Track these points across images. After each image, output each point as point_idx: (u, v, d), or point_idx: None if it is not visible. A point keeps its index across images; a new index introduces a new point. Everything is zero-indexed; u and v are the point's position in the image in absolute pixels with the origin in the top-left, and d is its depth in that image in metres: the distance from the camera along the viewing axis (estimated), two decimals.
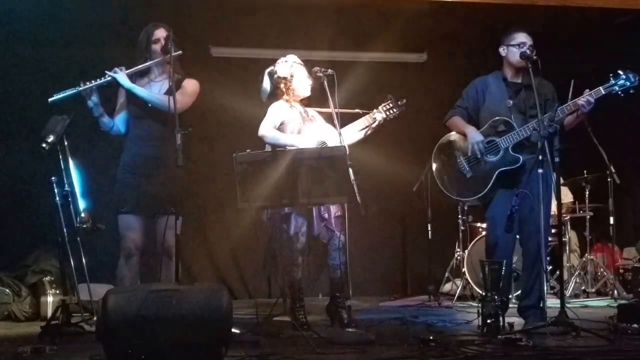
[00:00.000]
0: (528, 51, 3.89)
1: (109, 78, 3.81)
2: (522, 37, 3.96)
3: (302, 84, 4.09)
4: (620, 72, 3.81)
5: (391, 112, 4.15)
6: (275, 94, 4.12)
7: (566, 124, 3.95)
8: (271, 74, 4.12)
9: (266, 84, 4.14)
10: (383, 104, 4.15)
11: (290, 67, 4.08)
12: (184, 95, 3.86)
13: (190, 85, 3.94)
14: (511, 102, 3.98)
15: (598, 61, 5.70)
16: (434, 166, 4.16)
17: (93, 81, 3.79)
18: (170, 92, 3.70)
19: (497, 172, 3.93)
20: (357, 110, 4.18)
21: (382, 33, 6.04)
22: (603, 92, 3.81)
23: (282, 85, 4.08)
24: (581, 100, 3.80)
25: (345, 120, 4.08)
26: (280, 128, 4.05)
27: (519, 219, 3.79)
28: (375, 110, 4.14)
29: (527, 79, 3.95)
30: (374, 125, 4.13)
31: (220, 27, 5.95)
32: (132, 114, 3.93)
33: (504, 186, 3.96)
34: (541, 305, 3.84)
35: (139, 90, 3.84)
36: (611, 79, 3.81)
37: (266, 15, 5.70)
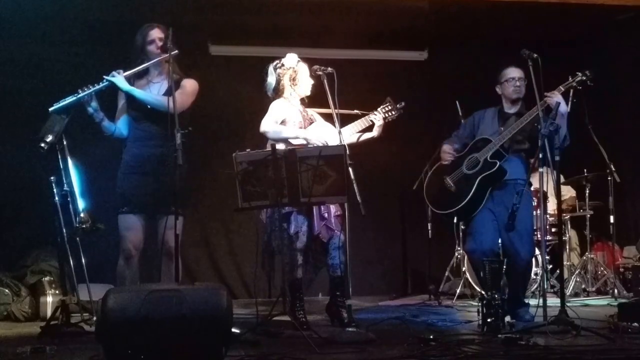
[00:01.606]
0: (519, 83, 4.14)
1: (107, 82, 3.79)
2: (511, 73, 4.19)
3: (305, 80, 4.11)
4: (578, 73, 4.03)
5: (389, 114, 4.17)
6: (278, 89, 4.12)
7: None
8: (276, 67, 4.12)
9: (271, 78, 4.14)
10: (382, 106, 4.17)
11: (297, 61, 4.12)
12: (183, 94, 3.85)
13: (190, 85, 3.94)
14: (502, 129, 4.15)
15: (599, 59, 5.69)
16: (425, 191, 4.40)
17: (91, 87, 3.77)
18: (169, 92, 3.69)
19: (479, 179, 4.09)
20: (356, 112, 4.19)
21: (383, 31, 6.04)
22: (563, 90, 4.00)
23: (286, 77, 4.08)
24: (554, 100, 3.92)
25: (345, 121, 4.08)
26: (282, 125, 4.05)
27: (500, 229, 4.02)
28: (374, 112, 4.15)
29: (521, 109, 4.18)
30: (375, 128, 4.14)
31: (219, 25, 5.94)
32: (132, 116, 3.93)
33: (489, 196, 4.10)
34: (526, 301, 4.13)
35: (137, 92, 3.83)
36: (570, 77, 4.03)
37: (265, 14, 5.69)
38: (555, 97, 3.92)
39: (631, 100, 6.02)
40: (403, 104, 4.21)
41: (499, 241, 4.15)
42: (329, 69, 3.96)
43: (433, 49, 6.47)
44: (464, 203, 4.13)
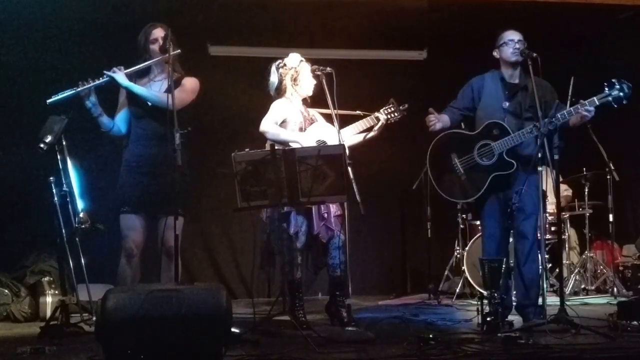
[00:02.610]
0: (519, 45, 3.93)
1: (107, 78, 3.80)
2: (509, 35, 4.01)
3: (307, 80, 4.10)
4: (614, 81, 3.82)
5: (392, 115, 4.14)
6: (279, 89, 4.12)
7: (571, 123, 3.95)
8: (278, 67, 4.12)
9: (274, 77, 4.14)
10: (385, 107, 4.13)
11: (299, 61, 4.10)
12: (182, 92, 3.86)
13: (190, 83, 3.94)
14: (507, 103, 4.00)
15: (598, 57, 5.70)
16: (429, 166, 4.19)
17: (91, 81, 3.78)
18: (169, 91, 3.69)
19: (491, 176, 3.96)
20: (358, 112, 4.17)
21: (382, 31, 6.04)
22: (597, 103, 3.82)
23: (288, 77, 4.08)
24: (584, 112, 3.80)
25: (347, 121, 4.06)
26: (282, 126, 4.05)
27: (515, 219, 3.85)
28: (376, 113, 4.12)
29: (524, 79, 3.98)
30: (375, 128, 4.11)
31: (218, 26, 5.94)
32: (133, 114, 3.93)
33: (496, 189, 3.99)
34: (540, 302, 3.86)
35: (137, 88, 3.83)
36: (605, 89, 3.82)
37: (264, 14, 5.69)
38: (591, 114, 3.79)
39: (630, 99, 6.01)
40: (406, 105, 4.18)
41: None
42: (328, 68, 3.95)
43: (432, 48, 6.48)
44: (473, 198, 4.02)
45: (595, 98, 3.81)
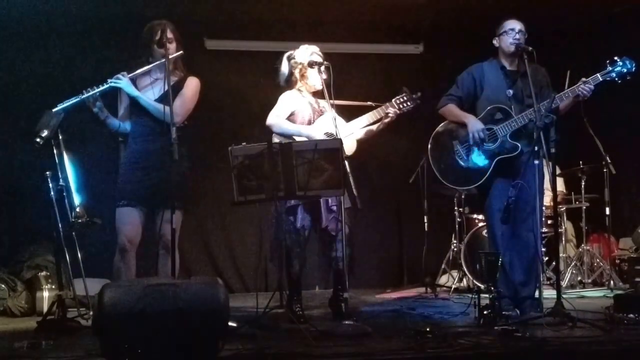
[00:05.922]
0: (519, 36, 3.92)
1: (113, 84, 3.78)
2: (510, 24, 3.99)
3: (315, 75, 4.03)
4: (616, 58, 3.83)
5: (404, 105, 4.04)
6: (290, 80, 4.09)
7: (561, 108, 3.95)
8: (289, 58, 4.09)
9: (284, 67, 4.11)
10: (397, 97, 4.04)
11: (309, 55, 4.04)
12: (185, 101, 3.84)
13: (191, 88, 3.91)
14: (511, 91, 3.98)
15: (594, 51, 5.70)
16: (431, 155, 4.15)
17: (95, 87, 3.76)
18: (172, 92, 3.68)
19: (495, 160, 3.93)
20: (369, 103, 4.11)
21: (379, 24, 6.03)
22: (600, 79, 3.82)
23: (297, 71, 4.05)
24: (582, 91, 3.79)
25: (357, 113, 4.03)
26: (291, 118, 4.01)
27: (515, 211, 3.80)
28: (387, 104, 4.04)
29: (522, 66, 3.96)
30: (385, 120, 4.05)
31: (215, 19, 5.93)
32: (133, 112, 3.92)
33: (501, 175, 3.96)
34: (537, 296, 3.86)
35: (143, 100, 3.81)
36: (608, 65, 3.83)
37: (262, 7, 5.68)
38: (589, 93, 3.77)
39: (627, 92, 6.01)
40: (420, 94, 4.09)
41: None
42: (325, 62, 3.94)
43: (428, 42, 6.47)
44: (478, 184, 3.98)
45: (598, 74, 3.81)
